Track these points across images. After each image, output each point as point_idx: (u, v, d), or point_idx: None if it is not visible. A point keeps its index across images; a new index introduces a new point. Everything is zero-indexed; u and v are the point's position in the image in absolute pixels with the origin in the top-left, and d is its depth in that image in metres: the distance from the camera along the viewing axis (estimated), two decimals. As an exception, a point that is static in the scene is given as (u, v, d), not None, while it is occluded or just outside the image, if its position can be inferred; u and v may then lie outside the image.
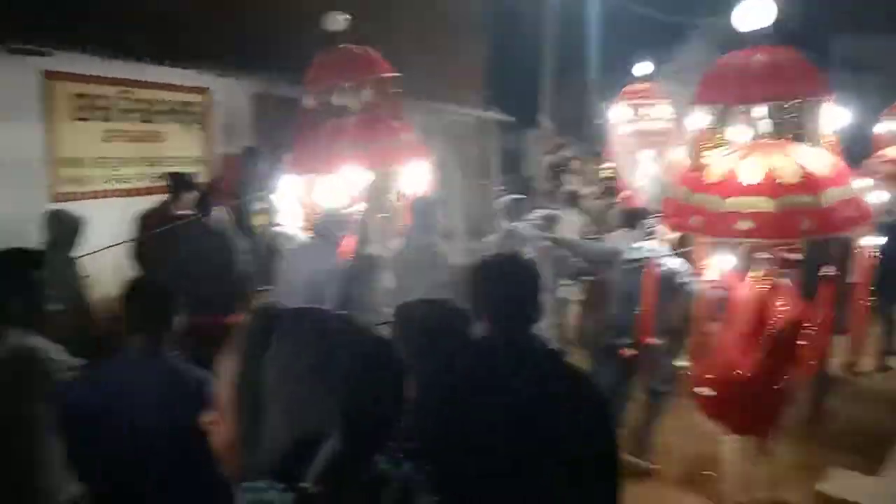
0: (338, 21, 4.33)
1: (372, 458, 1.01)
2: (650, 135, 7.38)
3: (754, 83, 3.40)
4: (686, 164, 3.79)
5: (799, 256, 3.58)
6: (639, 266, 4.33)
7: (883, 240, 4.10)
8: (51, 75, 5.53)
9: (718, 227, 3.26)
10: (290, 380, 0.88)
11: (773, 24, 3.41)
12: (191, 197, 5.12)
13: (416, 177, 4.60)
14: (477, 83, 12.00)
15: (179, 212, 5.02)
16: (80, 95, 5.83)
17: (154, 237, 4.57)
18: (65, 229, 4.51)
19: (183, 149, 6.90)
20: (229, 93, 7.30)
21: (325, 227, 4.17)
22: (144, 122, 6.46)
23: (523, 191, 6.89)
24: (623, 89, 7.80)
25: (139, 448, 2.23)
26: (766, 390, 3.52)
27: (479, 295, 1.88)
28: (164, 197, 5.50)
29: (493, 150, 12.19)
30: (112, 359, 2.44)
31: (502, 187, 10.60)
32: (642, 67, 7.89)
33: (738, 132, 3.57)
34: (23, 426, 2.52)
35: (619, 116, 7.66)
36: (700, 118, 3.70)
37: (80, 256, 4.32)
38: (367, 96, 4.29)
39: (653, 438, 4.89)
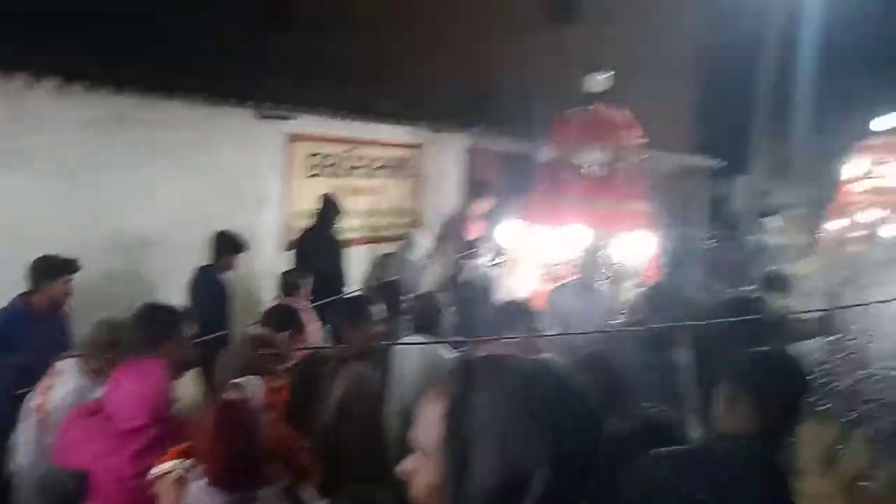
0: (600, 82, 4.23)
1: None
2: (886, 193, 6.60)
3: None
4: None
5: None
6: None
7: None
8: (293, 137, 6.10)
9: None
10: (495, 425, 0.93)
11: None
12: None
13: (632, 245, 4.46)
14: (683, 127, 11.52)
15: None
16: (314, 154, 6.38)
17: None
18: None
19: (398, 201, 7.31)
20: (442, 147, 7.63)
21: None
22: (364, 177, 6.91)
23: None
24: (859, 143, 7.05)
25: None
26: None
27: None
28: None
29: (700, 197, 11.61)
30: None
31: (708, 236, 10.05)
32: (884, 121, 7.09)
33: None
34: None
35: (853, 171, 6.92)
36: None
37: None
38: (607, 158, 4.18)
39: None
